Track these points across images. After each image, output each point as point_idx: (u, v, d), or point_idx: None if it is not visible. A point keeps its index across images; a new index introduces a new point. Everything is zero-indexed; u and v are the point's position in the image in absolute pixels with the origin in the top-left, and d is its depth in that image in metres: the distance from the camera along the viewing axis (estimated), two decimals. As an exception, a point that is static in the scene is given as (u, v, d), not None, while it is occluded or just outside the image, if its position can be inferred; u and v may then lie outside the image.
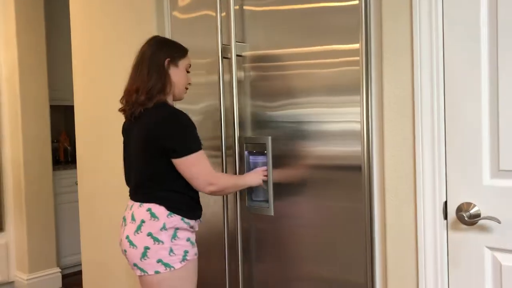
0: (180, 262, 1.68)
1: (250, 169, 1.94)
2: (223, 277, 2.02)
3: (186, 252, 1.70)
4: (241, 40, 1.95)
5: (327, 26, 1.69)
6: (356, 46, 1.61)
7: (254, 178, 1.84)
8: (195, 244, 1.79)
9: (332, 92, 1.69)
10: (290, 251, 1.85)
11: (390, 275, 1.56)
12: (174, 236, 1.68)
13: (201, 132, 2.13)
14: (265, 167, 1.88)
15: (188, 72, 1.85)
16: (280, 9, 1.83)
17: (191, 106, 2.17)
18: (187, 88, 1.88)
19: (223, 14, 1.96)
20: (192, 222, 1.75)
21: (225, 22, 1.96)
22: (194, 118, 2.14)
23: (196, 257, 1.78)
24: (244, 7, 1.94)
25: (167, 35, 2.30)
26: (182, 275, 1.69)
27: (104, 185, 2.67)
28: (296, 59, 1.79)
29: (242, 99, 1.97)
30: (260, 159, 1.92)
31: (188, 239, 1.73)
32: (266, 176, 1.87)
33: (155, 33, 2.32)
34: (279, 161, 1.86)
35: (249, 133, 1.96)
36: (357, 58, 1.61)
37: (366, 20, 1.59)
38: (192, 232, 1.78)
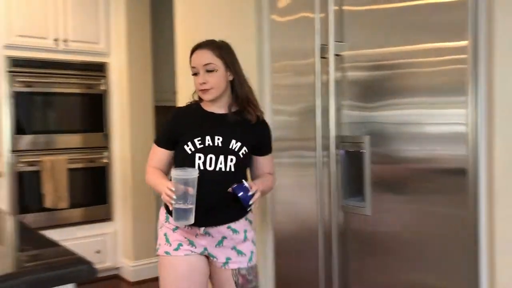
0: (157, 250, 1.86)
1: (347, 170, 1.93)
2: (316, 277, 2.03)
3: (159, 245, 1.85)
4: (339, 40, 1.95)
5: (431, 23, 1.63)
6: (463, 43, 1.53)
7: (160, 188, 1.73)
8: (173, 244, 1.81)
9: (435, 93, 1.63)
10: (386, 254, 1.81)
11: None
12: (160, 227, 1.87)
13: (297, 133, 2.18)
14: (171, 186, 1.66)
15: (193, 74, 1.82)
16: (381, 8, 1.80)
17: (287, 107, 2.21)
18: (200, 91, 1.80)
19: (322, 15, 1.97)
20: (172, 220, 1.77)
21: (324, 23, 1.97)
22: (291, 119, 2.19)
23: (168, 256, 1.81)
24: (343, 7, 1.94)
25: (266, 38, 2.36)
26: (159, 264, 1.87)
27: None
28: (396, 58, 1.75)
29: (339, 99, 1.96)
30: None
31: (164, 234, 1.84)
32: (170, 196, 1.65)
33: (254, 37, 2.40)
34: (376, 162, 1.82)
35: (345, 133, 1.95)
36: (464, 56, 1.53)
37: (475, 15, 1.51)
38: (171, 229, 1.82)
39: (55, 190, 3.43)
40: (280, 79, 2.26)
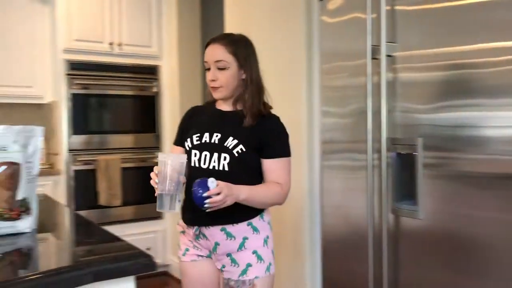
0: None
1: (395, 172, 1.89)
2: (365, 281, 2.00)
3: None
4: (391, 40, 1.92)
5: (491, 21, 1.57)
6: (526, 42, 1.47)
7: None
8: (182, 248, 1.76)
9: (495, 94, 1.57)
10: (439, 260, 1.76)
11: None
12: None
13: (347, 135, 2.15)
14: (156, 170, 1.54)
15: (206, 69, 1.70)
16: (436, 7, 1.75)
17: (337, 109, 2.20)
18: (211, 88, 1.69)
19: (374, 15, 1.95)
20: (182, 224, 1.72)
21: (375, 23, 1.94)
22: (341, 121, 2.18)
23: (180, 262, 1.77)
24: (396, 7, 1.90)
25: (316, 39, 2.36)
26: None
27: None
28: (453, 59, 1.70)
29: (391, 101, 1.93)
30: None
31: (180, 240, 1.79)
32: (153, 180, 1.54)
33: (304, 40, 2.41)
34: (429, 165, 1.78)
35: (397, 136, 1.91)
36: (528, 55, 1.47)
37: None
38: (180, 231, 1.76)
39: (109, 188, 3.57)
40: (330, 81, 2.25)
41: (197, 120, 1.77)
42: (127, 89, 3.75)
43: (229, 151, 1.60)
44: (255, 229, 1.65)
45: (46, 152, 3.72)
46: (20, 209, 1.15)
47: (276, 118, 1.72)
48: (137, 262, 0.93)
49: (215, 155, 1.61)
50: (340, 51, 2.19)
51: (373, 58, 1.94)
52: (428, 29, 1.79)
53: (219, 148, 1.61)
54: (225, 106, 1.73)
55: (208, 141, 1.64)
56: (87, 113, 3.61)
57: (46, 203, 1.51)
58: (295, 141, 2.45)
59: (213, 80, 1.64)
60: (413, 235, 1.86)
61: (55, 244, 1.16)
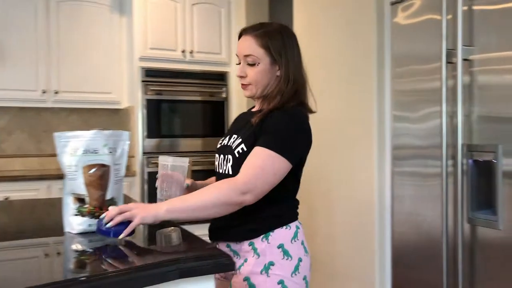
0: None
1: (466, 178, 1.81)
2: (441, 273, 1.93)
3: None
4: (468, 43, 1.85)
5: None
6: None
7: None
8: None
9: None
10: (521, 274, 1.67)
11: None
12: None
13: (420, 141, 2.10)
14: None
15: (238, 64, 1.48)
16: (519, 7, 1.67)
17: (409, 113, 2.15)
18: (241, 85, 1.48)
19: (449, 16, 1.89)
20: None
21: (451, 25, 1.88)
22: (413, 126, 2.12)
23: None
24: (474, 7, 1.84)
25: (387, 42, 2.32)
26: None
27: (321, 197, 2.81)
28: (537, 61, 1.61)
29: (467, 106, 1.86)
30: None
31: None
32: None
33: (375, 43, 2.38)
34: (510, 173, 1.69)
35: (475, 142, 1.84)
36: None
37: None
38: None
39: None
40: (402, 85, 2.21)
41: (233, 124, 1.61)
42: (197, 94, 3.89)
43: (231, 152, 1.39)
44: (255, 252, 1.33)
45: (122, 154, 3.94)
46: (107, 208, 1.25)
47: (281, 113, 1.35)
48: (219, 261, 0.98)
49: (222, 157, 1.43)
50: (413, 54, 2.14)
51: (448, 62, 1.89)
52: (508, 30, 1.71)
53: (228, 149, 1.41)
54: (256, 106, 1.50)
55: (225, 143, 1.45)
56: (160, 118, 3.78)
57: (127, 202, 1.61)
58: (365, 147, 2.43)
59: (241, 77, 1.42)
60: (491, 246, 1.77)
61: (139, 241, 1.24)
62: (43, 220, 1.62)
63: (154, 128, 3.74)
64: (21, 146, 3.85)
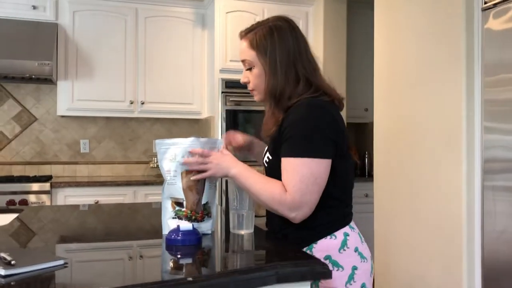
0: None
1: None
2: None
3: None
4: None
5: None
6: None
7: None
8: None
9: None
10: None
11: None
12: None
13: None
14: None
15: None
16: None
17: (502, 124, 2.04)
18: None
19: (551, 22, 1.77)
20: None
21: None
22: (507, 138, 2.00)
23: None
24: None
25: (477, 49, 2.22)
26: None
27: (403, 207, 2.73)
28: None
29: None
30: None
31: None
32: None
33: (463, 50, 2.28)
34: None
35: None
36: None
37: None
38: None
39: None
40: (494, 94, 2.10)
41: None
42: (274, 105, 3.93)
43: (264, 163, 1.40)
44: None
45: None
46: (204, 212, 1.30)
47: (293, 113, 1.26)
48: (315, 268, 0.99)
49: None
50: (507, 62, 2.03)
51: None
52: None
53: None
54: None
55: None
56: (238, 127, 3.86)
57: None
58: (452, 159, 2.32)
59: (246, 83, 1.38)
60: None
61: (232, 245, 1.27)
62: (140, 223, 1.72)
63: (232, 138, 3.82)
64: (109, 154, 4.11)
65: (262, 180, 1.26)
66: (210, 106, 3.96)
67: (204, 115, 4.06)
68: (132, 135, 4.17)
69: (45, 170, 3.91)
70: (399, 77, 2.80)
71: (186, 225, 1.19)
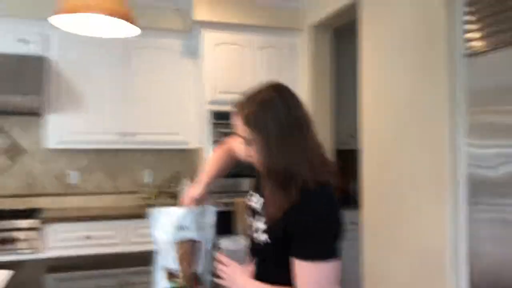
0: None
1: None
2: None
3: None
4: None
5: None
6: None
7: None
8: None
9: None
10: None
11: None
12: None
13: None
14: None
15: None
16: None
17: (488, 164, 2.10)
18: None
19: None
20: None
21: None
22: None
23: None
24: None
25: (461, 76, 2.29)
26: None
27: (392, 237, 2.78)
28: None
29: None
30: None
31: None
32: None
33: (445, 76, 2.34)
34: None
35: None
36: None
37: None
38: None
39: (244, 230, 3.78)
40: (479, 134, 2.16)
41: None
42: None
43: (258, 233, 1.36)
44: None
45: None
46: (198, 282, 1.33)
47: (304, 208, 1.20)
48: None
49: (254, 221, 1.38)
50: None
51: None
52: None
53: (256, 219, 1.38)
54: None
55: (254, 205, 1.42)
56: (228, 158, 3.89)
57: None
58: (436, 191, 2.37)
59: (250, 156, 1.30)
60: None
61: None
62: None
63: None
64: (99, 185, 4.11)
65: None
66: (199, 137, 3.99)
67: (193, 145, 4.08)
68: (122, 166, 4.18)
69: (33, 202, 3.89)
70: (384, 106, 2.86)
71: None
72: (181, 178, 4.22)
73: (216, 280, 1.33)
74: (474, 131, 2.19)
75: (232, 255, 1.38)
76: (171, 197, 4.18)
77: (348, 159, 4.74)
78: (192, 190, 1.49)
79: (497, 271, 2.05)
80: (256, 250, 1.33)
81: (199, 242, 1.33)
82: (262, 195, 1.35)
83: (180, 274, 1.31)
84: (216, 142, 3.84)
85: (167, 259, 1.32)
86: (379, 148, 2.93)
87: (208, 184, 1.51)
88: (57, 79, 3.72)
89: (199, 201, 1.47)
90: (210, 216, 1.41)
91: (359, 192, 3.14)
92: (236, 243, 1.44)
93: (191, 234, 1.32)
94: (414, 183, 2.57)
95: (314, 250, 1.16)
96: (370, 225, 3.00)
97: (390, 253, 2.77)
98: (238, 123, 1.27)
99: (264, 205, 1.30)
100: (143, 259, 2.12)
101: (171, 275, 1.32)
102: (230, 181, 3.88)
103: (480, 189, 2.15)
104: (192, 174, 4.20)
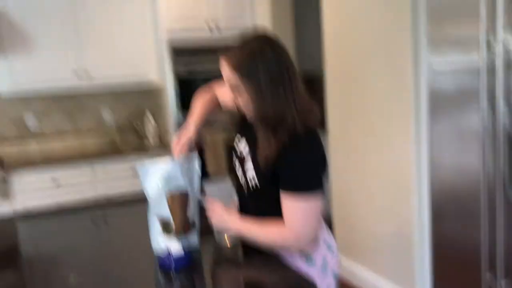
0: None
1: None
2: (479, 244, 2.10)
3: None
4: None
5: None
6: None
7: None
8: None
9: None
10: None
11: None
12: None
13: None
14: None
15: None
16: None
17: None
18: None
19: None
20: None
21: (491, 7, 1.89)
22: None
23: None
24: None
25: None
26: None
27: (360, 159, 2.92)
28: None
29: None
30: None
31: None
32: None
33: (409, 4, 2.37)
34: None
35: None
36: None
37: None
38: None
39: (216, 164, 3.86)
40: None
41: None
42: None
43: (245, 176, 1.43)
44: None
45: (157, 130, 4.08)
46: (190, 227, 1.39)
47: (295, 143, 1.28)
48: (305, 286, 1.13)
49: (239, 168, 1.45)
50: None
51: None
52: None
53: (242, 164, 1.44)
54: None
55: (240, 152, 1.47)
56: (192, 94, 3.84)
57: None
58: (401, 108, 2.50)
59: (236, 100, 1.34)
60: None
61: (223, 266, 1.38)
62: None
63: (186, 105, 3.82)
64: (59, 127, 3.99)
65: (259, 229, 1.34)
66: (161, 74, 3.89)
67: (154, 82, 3.98)
68: (81, 107, 4.05)
69: (-7, 151, 3.77)
70: (347, 28, 2.89)
71: (176, 249, 1.30)
72: (144, 115, 4.16)
73: (208, 222, 1.40)
74: (434, 45, 2.27)
75: (217, 197, 1.42)
76: (136, 136, 4.15)
77: (312, 86, 4.79)
78: (185, 132, 1.50)
79: (453, 180, 2.25)
80: (244, 191, 1.41)
81: (188, 190, 1.38)
82: (248, 140, 1.42)
83: (173, 222, 1.36)
84: (179, 78, 3.78)
85: (160, 208, 1.36)
86: (342, 72, 2.98)
87: (198, 127, 1.52)
88: (5, 20, 3.44)
89: (192, 145, 1.49)
90: (195, 164, 1.44)
91: (326, 119, 3.21)
92: (219, 185, 1.47)
93: (180, 184, 1.36)
94: (379, 100, 2.68)
95: (304, 185, 1.27)
96: (337, 150, 3.12)
97: (358, 175, 2.93)
98: (226, 71, 1.29)
99: (252, 149, 1.36)
100: (115, 201, 2.18)
101: (164, 223, 1.37)
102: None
103: (440, 102, 2.28)
104: (154, 111, 4.15)
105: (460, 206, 2.22)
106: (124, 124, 4.18)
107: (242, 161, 1.42)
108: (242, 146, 1.44)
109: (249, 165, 1.37)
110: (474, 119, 2.06)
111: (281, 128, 1.27)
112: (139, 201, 2.10)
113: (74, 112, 4.04)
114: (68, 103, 4.01)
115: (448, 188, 2.30)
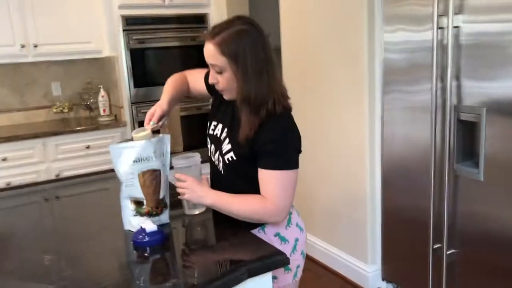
0: None
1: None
2: (427, 216, 2.26)
3: None
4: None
5: None
6: None
7: None
8: None
9: None
10: (495, 219, 1.97)
11: None
12: None
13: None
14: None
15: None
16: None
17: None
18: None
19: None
20: None
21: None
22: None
23: None
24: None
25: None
26: None
27: (318, 132, 3.00)
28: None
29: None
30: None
31: None
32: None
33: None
34: (493, 133, 1.93)
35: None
36: None
37: None
38: None
39: (171, 136, 3.84)
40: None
41: None
42: (179, 40, 3.86)
43: (222, 155, 1.49)
44: None
45: (110, 104, 3.97)
46: (162, 206, 1.41)
47: (272, 125, 1.37)
48: (277, 258, 1.19)
49: (216, 151, 1.52)
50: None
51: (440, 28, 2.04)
52: None
53: (218, 146, 1.51)
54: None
55: (217, 134, 1.53)
56: (145, 67, 3.77)
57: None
58: (354, 68, 2.59)
59: (215, 83, 1.41)
60: (474, 195, 2.07)
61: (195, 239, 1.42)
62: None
63: (140, 77, 3.75)
64: (4, 101, 3.80)
65: (238, 201, 1.39)
66: (112, 45, 3.77)
67: (106, 54, 3.86)
68: (28, 80, 3.87)
69: None
70: (304, 7, 2.92)
71: (150, 226, 1.31)
72: (94, 89, 4.03)
73: (179, 197, 1.44)
74: (388, 22, 2.35)
75: (186, 171, 1.46)
76: (87, 109, 4.03)
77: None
78: (159, 103, 1.53)
79: (404, 153, 2.39)
80: (219, 169, 1.48)
81: (159, 169, 1.39)
82: (224, 124, 1.48)
83: (145, 202, 1.38)
84: (133, 50, 3.69)
85: (132, 189, 1.37)
86: (299, 46, 3.02)
87: (170, 102, 1.55)
88: None
89: (164, 117, 1.52)
90: (167, 143, 1.45)
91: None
92: (188, 160, 1.49)
93: (152, 164, 1.37)
94: (334, 75, 2.75)
95: (282, 161, 1.35)
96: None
97: (313, 148, 3.03)
98: (211, 52, 1.32)
99: (230, 130, 1.43)
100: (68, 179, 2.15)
101: (137, 203, 1.38)
102: (155, 89, 3.81)
103: (393, 76, 2.39)
104: (106, 84, 4.03)
105: (410, 178, 2.37)
106: (74, 98, 4.04)
107: (218, 144, 1.47)
108: (219, 130, 1.49)
109: (227, 147, 1.43)
110: (425, 95, 2.19)
111: (262, 108, 1.33)
112: (93, 179, 2.11)
113: (21, 86, 3.85)
114: (15, 77, 3.82)
115: (399, 160, 2.43)
